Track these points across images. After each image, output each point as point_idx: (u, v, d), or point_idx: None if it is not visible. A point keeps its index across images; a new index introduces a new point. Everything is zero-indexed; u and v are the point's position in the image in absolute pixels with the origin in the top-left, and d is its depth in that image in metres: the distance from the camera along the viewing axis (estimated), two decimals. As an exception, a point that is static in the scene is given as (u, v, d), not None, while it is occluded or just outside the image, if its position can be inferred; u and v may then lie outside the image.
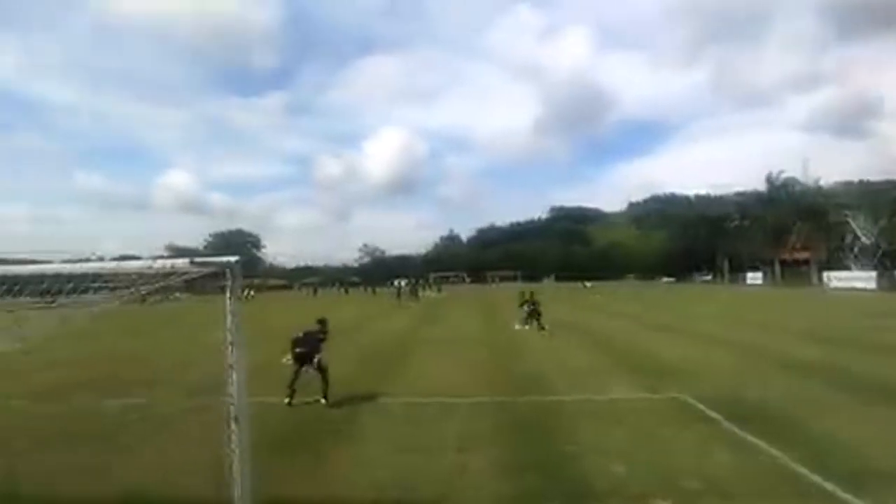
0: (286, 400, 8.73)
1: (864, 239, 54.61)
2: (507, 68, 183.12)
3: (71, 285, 4.53)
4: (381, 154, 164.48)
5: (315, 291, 69.82)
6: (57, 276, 4.33)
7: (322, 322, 9.46)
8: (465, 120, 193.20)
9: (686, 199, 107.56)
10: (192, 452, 6.32)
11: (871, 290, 43.85)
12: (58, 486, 5.67)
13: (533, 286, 63.96)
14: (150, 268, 3.88)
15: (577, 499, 5.12)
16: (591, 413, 8.14)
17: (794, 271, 63.51)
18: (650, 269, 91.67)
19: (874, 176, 71.05)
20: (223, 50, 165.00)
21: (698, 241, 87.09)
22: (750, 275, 69.29)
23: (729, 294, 46.60)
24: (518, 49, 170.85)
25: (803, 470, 5.53)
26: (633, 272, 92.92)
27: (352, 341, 17.46)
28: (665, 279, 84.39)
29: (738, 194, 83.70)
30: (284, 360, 9.48)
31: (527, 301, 20.58)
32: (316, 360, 8.89)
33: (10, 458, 6.48)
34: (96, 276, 4.53)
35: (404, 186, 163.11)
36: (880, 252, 53.45)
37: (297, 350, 8.92)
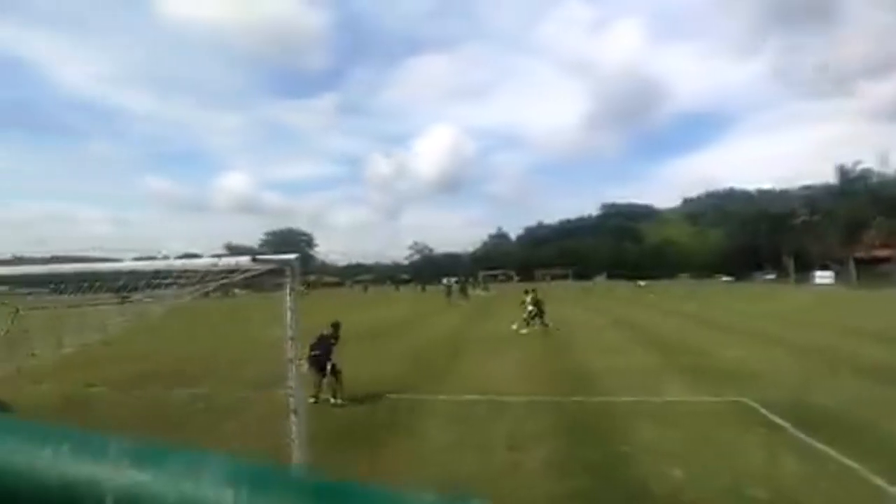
0: (311, 399, 8.53)
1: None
2: (558, 63, 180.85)
3: (144, 282, 4.83)
4: (430, 152, 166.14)
5: (366, 289, 71.24)
6: (132, 273, 4.64)
7: (335, 326, 9.59)
8: (515, 116, 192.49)
9: (746, 194, 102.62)
10: (253, 442, 6.59)
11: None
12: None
13: (583, 284, 62.72)
14: (215, 265, 4.08)
15: (632, 502, 5.01)
16: (645, 414, 7.93)
17: (871, 271, 59.00)
18: (706, 267, 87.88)
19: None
20: (277, 54, 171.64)
21: (760, 237, 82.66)
22: (819, 274, 65.00)
23: (795, 294, 44.07)
24: (568, 43, 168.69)
25: (880, 481, 5.19)
26: (687, 271, 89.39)
27: (404, 339, 17.74)
28: (724, 278, 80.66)
29: (805, 188, 79.21)
30: (301, 364, 9.50)
31: (527, 301, 20.00)
32: (329, 363, 9.04)
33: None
34: (167, 274, 4.82)
35: (454, 184, 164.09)
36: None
37: (313, 353, 9.03)
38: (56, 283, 4.99)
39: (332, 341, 9.37)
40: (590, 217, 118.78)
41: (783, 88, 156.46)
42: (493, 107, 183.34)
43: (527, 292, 21.29)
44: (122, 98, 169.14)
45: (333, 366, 9.06)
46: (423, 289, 62.38)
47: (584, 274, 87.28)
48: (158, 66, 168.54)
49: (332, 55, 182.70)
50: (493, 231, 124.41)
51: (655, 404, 8.53)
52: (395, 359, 13.43)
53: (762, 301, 34.35)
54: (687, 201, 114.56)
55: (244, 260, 3.92)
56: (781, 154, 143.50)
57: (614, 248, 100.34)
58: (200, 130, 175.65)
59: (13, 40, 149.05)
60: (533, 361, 12.83)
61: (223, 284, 4.76)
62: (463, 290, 44.12)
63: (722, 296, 41.65)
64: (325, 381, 9.06)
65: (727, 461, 5.93)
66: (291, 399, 4.03)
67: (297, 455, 4.17)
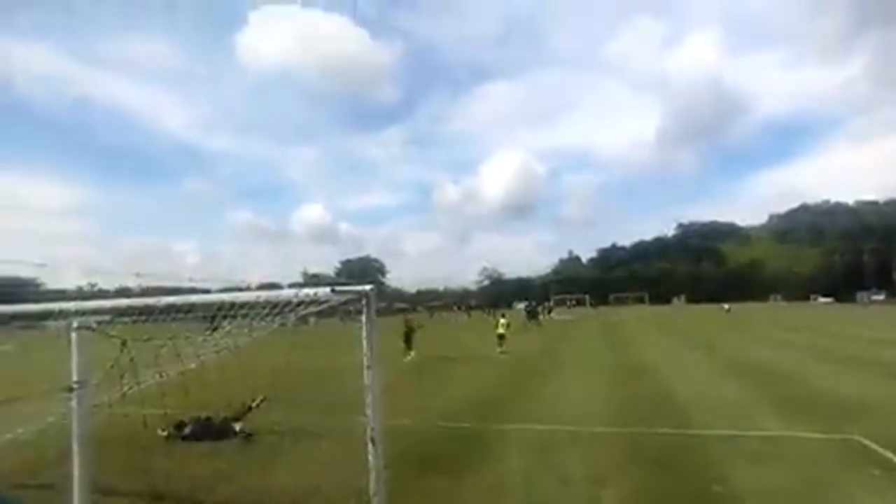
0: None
1: None
2: (628, 81, 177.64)
3: (232, 312, 5.13)
4: (499, 177, 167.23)
5: (432, 314, 71.81)
6: (220, 305, 4.94)
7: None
8: (584, 137, 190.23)
9: (844, 206, 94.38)
10: (329, 470, 6.72)
11: None
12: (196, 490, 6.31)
13: (663, 308, 59.69)
14: (296, 296, 4.27)
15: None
16: (739, 450, 7.33)
17: None
18: (799, 287, 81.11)
19: None
20: (349, 90, 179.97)
21: (864, 254, 75.46)
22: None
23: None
24: (639, 60, 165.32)
25: None
26: (776, 292, 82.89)
27: (476, 367, 17.64)
28: (821, 299, 73.99)
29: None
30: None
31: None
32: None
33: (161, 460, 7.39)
34: (253, 304, 5.10)
35: (524, 208, 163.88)
36: None
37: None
38: (152, 314, 5.39)
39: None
40: (665, 237, 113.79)
41: (880, 91, 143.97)
42: (563, 128, 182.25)
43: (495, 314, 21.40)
44: (211, 140, 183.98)
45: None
46: (491, 314, 61.81)
47: (661, 297, 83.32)
48: (241, 109, 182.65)
49: (400, 88, 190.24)
50: (564, 255, 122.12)
51: (750, 439, 7.88)
52: (469, 386, 13.35)
53: (872, 324, 31.14)
54: (773, 217, 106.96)
55: (323, 291, 4.08)
56: (882, 162, 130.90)
57: (693, 269, 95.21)
58: (280, 166, 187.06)
59: (118, 91, 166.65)
60: (609, 388, 12.30)
61: (302, 315, 4.97)
62: (533, 315, 43.23)
63: (822, 319, 38.19)
64: None
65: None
66: (369, 428, 4.09)
67: (374, 484, 4.21)
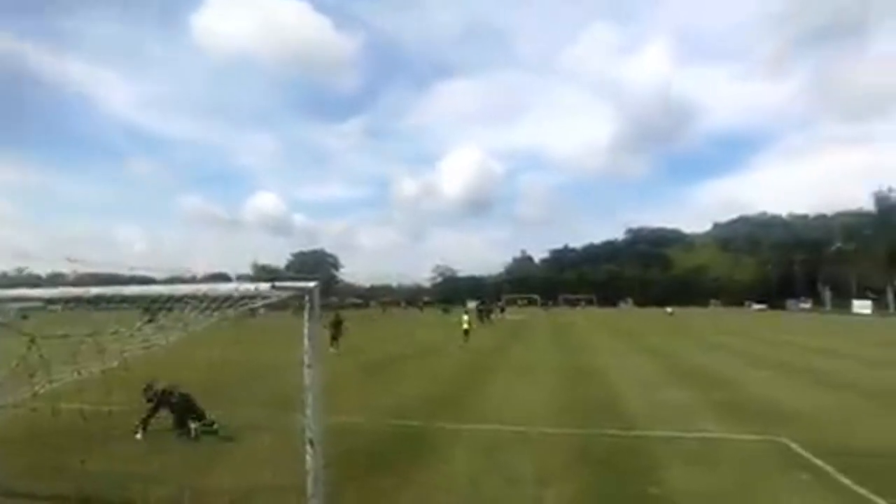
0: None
1: None
2: (585, 86, 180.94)
3: (169, 305, 4.82)
4: (456, 175, 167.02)
5: (384, 310, 71.36)
6: (157, 298, 4.63)
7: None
8: (541, 139, 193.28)
9: (779, 219, 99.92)
10: (266, 472, 6.47)
11: None
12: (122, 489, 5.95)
13: (610, 311, 61.50)
14: (236, 290, 4.04)
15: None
16: (678, 452, 7.56)
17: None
18: (737, 294, 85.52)
19: None
20: (307, 78, 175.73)
21: (795, 265, 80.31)
22: (857, 303, 62.64)
23: (831, 324, 42.36)
24: (595, 66, 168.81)
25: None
26: (717, 297, 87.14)
27: (427, 364, 17.57)
28: (755, 305, 78.24)
29: (841, 214, 76.64)
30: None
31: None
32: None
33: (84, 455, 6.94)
34: (191, 297, 4.80)
35: (478, 206, 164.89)
36: None
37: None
38: (83, 302, 5.02)
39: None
40: (616, 241, 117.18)
41: (818, 110, 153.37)
42: (520, 129, 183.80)
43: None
44: (162, 123, 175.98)
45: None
46: (445, 311, 62.06)
47: (609, 299, 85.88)
48: (196, 92, 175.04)
49: (361, 79, 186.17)
50: (517, 254, 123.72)
51: (687, 441, 8.16)
52: (415, 385, 13.26)
53: (798, 331, 33.11)
54: (718, 226, 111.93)
55: (264, 286, 3.87)
56: (815, 178, 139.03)
57: (640, 273, 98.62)
58: (234, 152, 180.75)
59: (63, 68, 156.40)
60: (554, 390, 12.50)
61: (249, 308, 4.72)
62: (486, 314, 43.61)
63: (756, 325, 40.32)
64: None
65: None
66: (308, 429, 3.92)
67: (311, 487, 4.04)
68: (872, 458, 7.10)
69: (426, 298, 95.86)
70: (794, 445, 7.73)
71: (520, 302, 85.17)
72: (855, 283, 66.50)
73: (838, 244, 69.25)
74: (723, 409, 10.34)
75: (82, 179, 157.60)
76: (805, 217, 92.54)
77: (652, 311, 62.15)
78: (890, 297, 59.97)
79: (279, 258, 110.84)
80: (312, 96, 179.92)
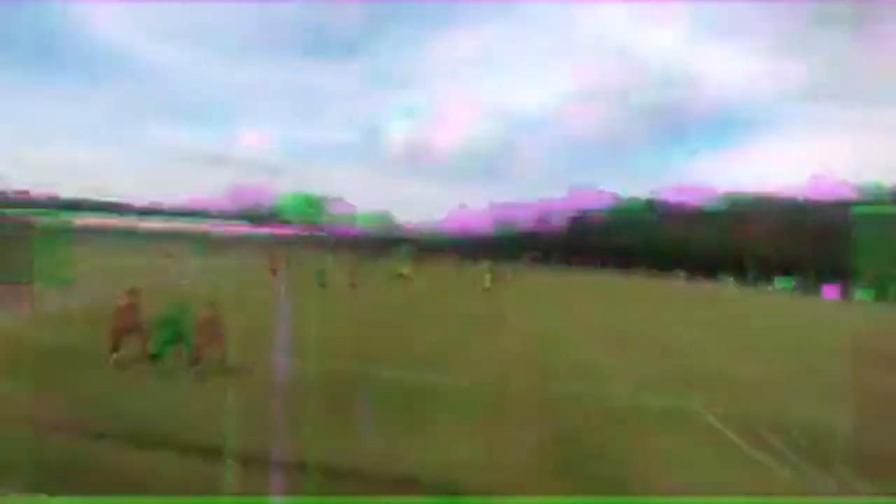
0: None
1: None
2: (585, 47, 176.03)
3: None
4: (450, 128, 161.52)
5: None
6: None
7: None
8: (532, 98, 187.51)
9: (723, 194, 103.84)
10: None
11: None
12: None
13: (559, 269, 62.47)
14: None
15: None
16: (597, 413, 8.22)
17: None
18: (666, 263, 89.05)
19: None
20: (304, 14, 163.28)
21: (727, 241, 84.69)
22: (777, 280, 67.53)
23: (750, 297, 45.61)
24: (598, 28, 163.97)
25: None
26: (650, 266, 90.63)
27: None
28: (683, 275, 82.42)
29: (773, 196, 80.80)
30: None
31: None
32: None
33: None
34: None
35: (471, 163, 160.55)
36: None
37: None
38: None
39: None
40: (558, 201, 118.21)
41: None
42: (510, 87, 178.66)
43: None
44: (134, 43, 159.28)
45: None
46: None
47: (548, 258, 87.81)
48: (181, 16, 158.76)
49: (360, 21, 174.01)
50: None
51: (604, 402, 8.85)
52: (335, 334, 13.36)
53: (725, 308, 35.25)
54: (677, 190, 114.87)
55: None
56: (762, 159, 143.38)
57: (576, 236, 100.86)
58: (218, 85, 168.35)
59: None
60: (474, 344, 13.06)
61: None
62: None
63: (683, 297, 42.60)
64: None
65: (675, 467, 6.28)
66: (278, 373, 4.10)
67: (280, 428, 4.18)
68: (778, 428, 7.75)
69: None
70: (707, 414, 8.44)
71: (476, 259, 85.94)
72: (777, 263, 71.10)
73: (767, 224, 73.37)
74: (649, 377, 11.06)
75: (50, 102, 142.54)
76: (742, 194, 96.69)
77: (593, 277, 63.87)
78: (807, 278, 64.43)
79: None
80: (307, 35, 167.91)
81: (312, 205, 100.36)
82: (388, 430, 6.76)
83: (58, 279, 16.64)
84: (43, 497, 4.28)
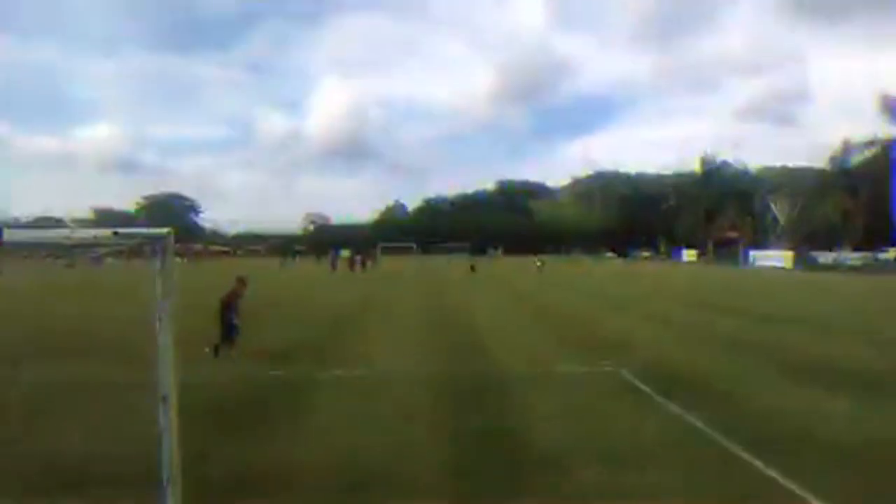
0: (207, 349, 9.46)
1: (782, 221, 58.55)
2: (463, 37, 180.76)
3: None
4: (330, 120, 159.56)
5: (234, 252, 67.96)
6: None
7: (242, 279, 10.23)
8: (418, 88, 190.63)
9: (627, 176, 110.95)
10: (119, 430, 6.02)
11: (787, 269, 47.38)
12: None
13: (481, 258, 64.49)
14: (68, 238, 3.55)
15: (514, 468, 5.27)
16: (534, 386, 8.38)
17: (724, 250, 67.47)
18: (592, 244, 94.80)
19: (799, 161, 76.23)
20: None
21: (637, 218, 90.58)
22: (685, 252, 73.10)
23: (662, 270, 48.99)
24: (473, 17, 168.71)
25: (717, 435, 5.95)
26: (575, 246, 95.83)
27: (291, 313, 17.15)
28: (608, 254, 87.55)
29: (677, 175, 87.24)
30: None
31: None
32: (231, 319, 9.68)
33: None
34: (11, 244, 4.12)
35: (353, 153, 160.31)
36: (796, 233, 57.59)
37: (220, 308, 9.79)
38: None
39: (237, 297, 9.92)
40: (486, 191, 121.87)
41: (666, 81, 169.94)
42: (399, 77, 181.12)
43: None
44: None
45: (233, 323, 9.64)
46: (318, 258, 60.60)
47: (479, 248, 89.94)
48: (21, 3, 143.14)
49: (232, 6, 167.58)
50: (391, 202, 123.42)
51: (539, 374, 9.08)
52: (284, 334, 12.96)
53: (632, 277, 37.74)
54: (577, 181, 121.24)
55: (104, 233, 3.43)
56: (661, 141, 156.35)
57: (508, 223, 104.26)
58: (67, 77, 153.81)
59: None
60: (423, 334, 13.02)
61: (92, 256, 4.20)
62: (359, 262, 43.45)
63: (601, 272, 45.10)
64: (230, 335, 9.67)
65: (600, 427, 6.47)
66: (160, 385, 3.66)
67: (167, 444, 3.82)
68: (681, 380, 8.52)
69: (299, 247, 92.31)
70: (625, 373, 8.98)
71: (391, 250, 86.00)
72: (685, 235, 77.23)
73: (671, 201, 79.19)
74: (568, 345, 11.60)
75: None
76: (647, 175, 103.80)
77: (519, 260, 66.30)
78: (710, 246, 70.66)
79: (127, 202, 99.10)
80: (172, 22, 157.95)
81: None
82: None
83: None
84: None
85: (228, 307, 9.69)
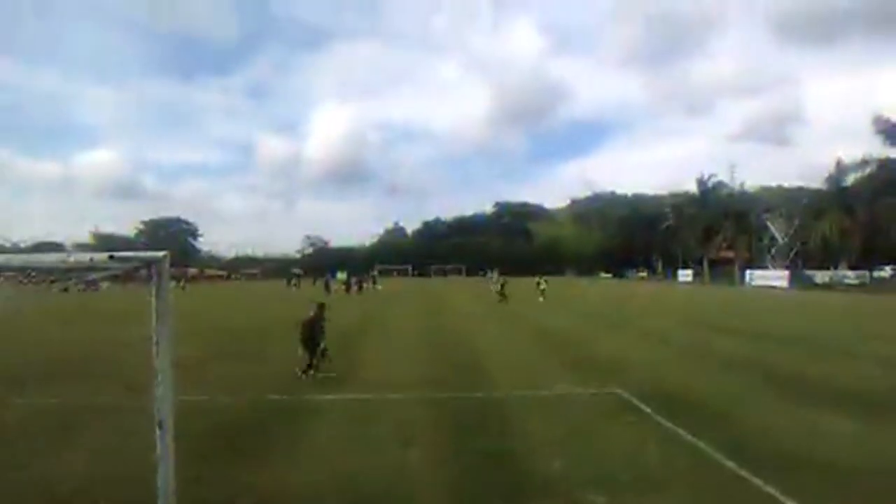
0: (298, 372, 10.17)
1: (780, 240, 58.72)
2: (460, 62, 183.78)
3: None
4: (328, 144, 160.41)
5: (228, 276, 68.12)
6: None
7: (321, 307, 10.90)
8: (416, 112, 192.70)
9: (624, 197, 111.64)
10: (116, 457, 5.97)
11: (784, 288, 47.41)
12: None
13: (480, 280, 64.19)
14: (63, 262, 3.59)
15: (515, 493, 5.22)
16: (532, 408, 8.33)
17: (720, 270, 67.58)
18: (588, 264, 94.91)
19: (793, 181, 76.94)
20: (167, 27, 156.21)
21: (635, 239, 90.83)
22: (681, 272, 73.13)
23: (659, 290, 48.93)
24: (470, 42, 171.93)
25: (719, 456, 5.92)
26: (572, 268, 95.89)
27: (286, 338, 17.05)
28: (603, 275, 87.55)
29: (673, 195, 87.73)
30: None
31: None
32: (317, 342, 10.38)
33: None
34: (6, 268, 4.16)
35: (351, 176, 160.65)
36: (793, 252, 57.75)
37: (303, 335, 10.35)
38: None
39: (321, 321, 10.59)
40: (484, 214, 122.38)
41: (661, 103, 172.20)
42: (396, 101, 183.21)
43: None
44: None
45: (319, 345, 10.35)
46: (314, 282, 60.39)
47: (477, 270, 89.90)
48: (23, 30, 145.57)
49: (228, 35, 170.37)
50: (389, 225, 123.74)
51: (541, 397, 9.02)
52: (281, 358, 12.89)
53: (632, 297, 37.69)
54: (574, 202, 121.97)
55: (100, 257, 3.47)
56: (658, 163, 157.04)
57: (506, 245, 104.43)
58: (68, 103, 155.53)
59: None
60: (421, 357, 12.95)
61: (87, 280, 4.23)
62: (356, 284, 43.34)
63: (598, 292, 45.05)
64: (313, 358, 10.25)
65: (601, 450, 6.42)
66: (157, 411, 3.66)
67: (163, 471, 3.80)
68: (679, 400, 8.49)
69: (296, 270, 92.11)
70: (625, 394, 8.93)
71: (396, 273, 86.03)
72: (681, 256, 77.35)
73: (668, 222, 79.41)
74: (568, 367, 11.53)
75: None
76: (644, 196, 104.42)
77: (522, 280, 66.15)
78: (706, 266, 70.75)
79: (126, 226, 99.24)
80: (173, 49, 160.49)
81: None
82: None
83: None
84: None
85: (312, 330, 10.33)
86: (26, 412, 8.06)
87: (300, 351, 10.36)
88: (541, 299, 30.98)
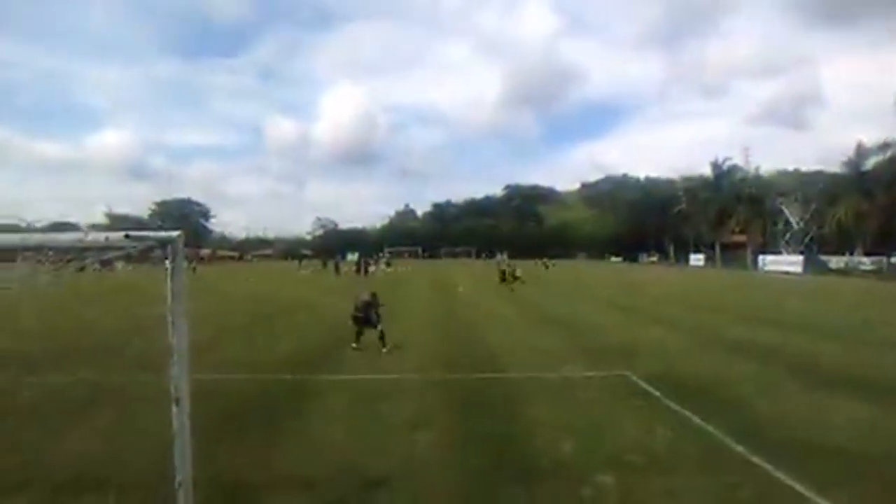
0: (354, 345, 11.29)
1: (794, 225, 57.88)
2: (471, 43, 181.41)
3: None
4: (339, 126, 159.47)
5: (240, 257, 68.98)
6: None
7: (374, 294, 11.82)
8: (426, 94, 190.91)
9: (636, 181, 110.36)
10: (131, 435, 6.10)
11: (798, 274, 46.90)
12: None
13: (490, 262, 64.20)
14: (80, 241, 3.62)
15: (524, 475, 5.26)
16: (540, 391, 8.34)
17: (732, 254, 66.87)
18: (600, 248, 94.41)
19: (811, 165, 75.47)
20: (177, 6, 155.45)
21: (646, 223, 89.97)
22: (693, 256, 72.55)
23: (670, 275, 48.61)
24: (481, 24, 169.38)
25: (729, 441, 5.91)
26: (583, 251, 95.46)
27: (298, 319, 17.19)
28: (613, 258, 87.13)
29: (686, 179, 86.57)
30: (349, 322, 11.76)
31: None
32: (374, 321, 11.40)
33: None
34: (25, 247, 4.20)
35: (362, 158, 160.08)
36: (808, 237, 56.94)
37: (356, 314, 11.48)
38: None
39: (375, 307, 11.59)
40: (494, 196, 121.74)
41: (676, 85, 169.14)
42: (407, 83, 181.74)
43: None
44: None
45: (376, 327, 11.33)
46: (324, 264, 60.71)
47: (487, 252, 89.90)
48: (34, 11, 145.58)
49: (239, 14, 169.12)
50: (400, 207, 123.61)
51: (550, 380, 9.04)
52: (290, 339, 13.01)
53: (645, 282, 37.47)
54: (585, 185, 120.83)
55: (115, 236, 3.49)
56: (671, 146, 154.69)
57: (517, 227, 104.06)
58: (79, 84, 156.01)
59: None
60: (431, 339, 13.02)
61: (102, 259, 4.23)
62: (366, 267, 43.45)
63: (607, 275, 44.84)
64: (361, 336, 11.42)
65: (611, 432, 6.43)
66: (173, 388, 3.71)
67: (179, 447, 3.87)
68: (689, 384, 8.48)
69: (307, 251, 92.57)
70: (633, 377, 8.94)
71: (407, 255, 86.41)
72: (692, 240, 76.62)
73: (681, 206, 78.44)
74: (577, 351, 11.53)
75: None
76: (657, 179, 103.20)
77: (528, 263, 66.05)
78: (717, 251, 70.09)
79: (139, 207, 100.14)
80: (185, 29, 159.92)
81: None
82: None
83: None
84: None
85: (366, 312, 11.42)
86: (41, 391, 8.21)
87: (353, 327, 11.50)
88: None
